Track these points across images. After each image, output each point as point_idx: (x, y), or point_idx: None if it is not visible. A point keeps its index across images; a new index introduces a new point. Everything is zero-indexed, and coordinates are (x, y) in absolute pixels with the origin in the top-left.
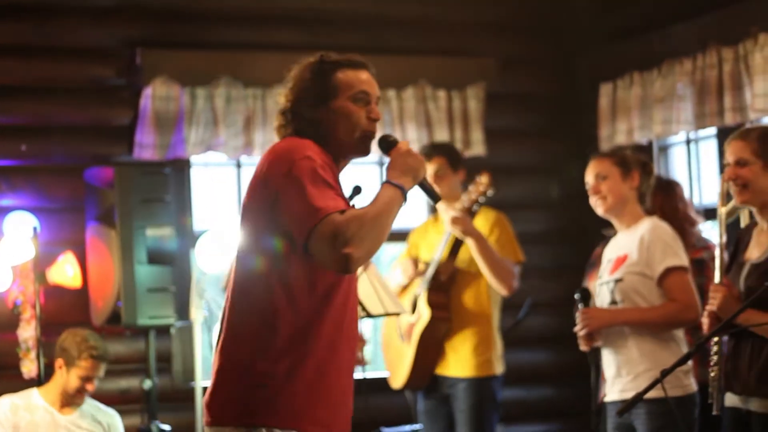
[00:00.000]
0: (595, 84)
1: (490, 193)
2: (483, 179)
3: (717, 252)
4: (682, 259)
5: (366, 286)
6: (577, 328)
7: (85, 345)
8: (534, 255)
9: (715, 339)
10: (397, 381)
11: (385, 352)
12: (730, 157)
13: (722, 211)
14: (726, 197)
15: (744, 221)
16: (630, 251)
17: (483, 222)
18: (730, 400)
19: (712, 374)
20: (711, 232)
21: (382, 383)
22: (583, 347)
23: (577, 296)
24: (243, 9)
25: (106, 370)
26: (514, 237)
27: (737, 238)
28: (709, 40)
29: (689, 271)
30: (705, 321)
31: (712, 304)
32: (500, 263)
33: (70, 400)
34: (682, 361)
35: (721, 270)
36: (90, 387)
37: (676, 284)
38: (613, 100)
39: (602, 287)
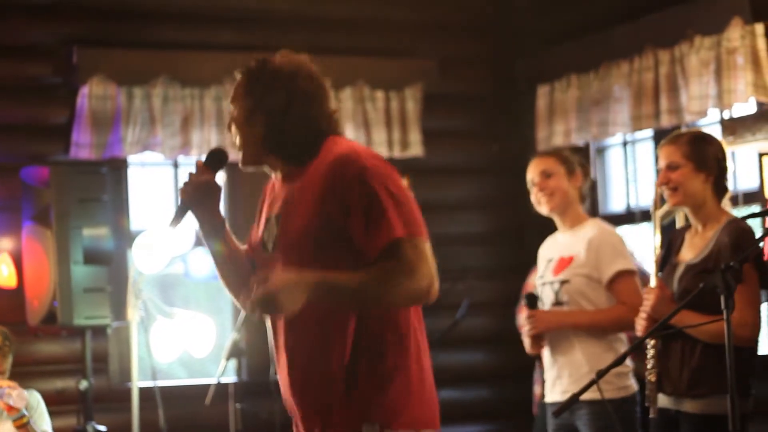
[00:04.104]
0: (532, 86)
1: None
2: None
3: (652, 255)
4: (630, 263)
5: None
6: (524, 331)
7: None
8: (472, 256)
9: (652, 342)
10: None
11: None
12: (661, 162)
13: (656, 214)
14: (660, 201)
15: (680, 223)
16: (576, 253)
17: None
18: (660, 400)
19: (650, 377)
20: (646, 234)
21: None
22: (531, 350)
23: (524, 300)
24: (181, 8)
25: (43, 370)
26: None
27: (669, 239)
28: (645, 43)
29: (637, 274)
30: (641, 323)
31: (646, 306)
32: None
33: None
34: (617, 363)
35: (656, 272)
36: None
37: (625, 287)
38: (550, 101)
39: (545, 287)
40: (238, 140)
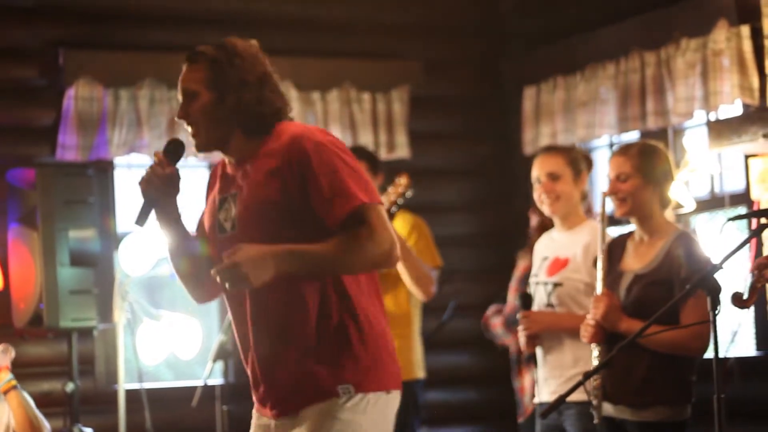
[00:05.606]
0: (519, 87)
1: (408, 194)
2: (402, 180)
3: (599, 263)
4: None
5: None
6: (518, 331)
7: None
8: (459, 258)
9: (598, 349)
10: None
11: None
12: (611, 173)
13: (603, 222)
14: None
15: None
16: (572, 256)
17: (401, 225)
18: (606, 409)
19: (594, 383)
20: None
21: None
22: (527, 349)
23: (518, 301)
24: (167, 10)
25: (29, 372)
26: (432, 241)
27: (608, 248)
28: (631, 45)
29: None
30: (588, 330)
31: (596, 314)
32: (420, 268)
33: None
34: (604, 365)
35: (603, 281)
36: None
37: None
38: (537, 103)
39: (538, 287)
40: (197, 127)
